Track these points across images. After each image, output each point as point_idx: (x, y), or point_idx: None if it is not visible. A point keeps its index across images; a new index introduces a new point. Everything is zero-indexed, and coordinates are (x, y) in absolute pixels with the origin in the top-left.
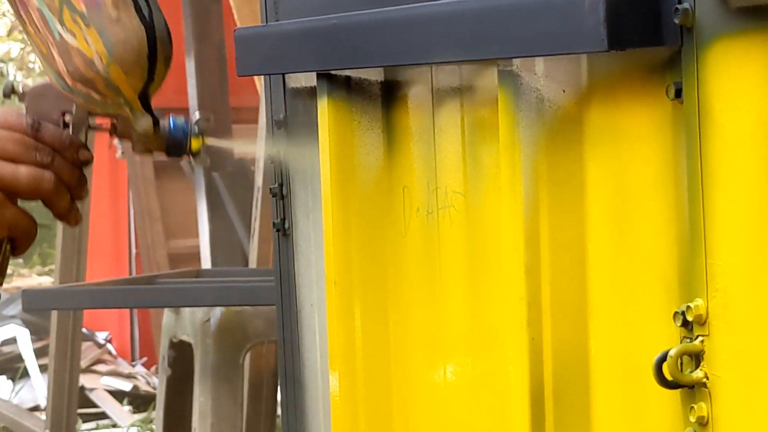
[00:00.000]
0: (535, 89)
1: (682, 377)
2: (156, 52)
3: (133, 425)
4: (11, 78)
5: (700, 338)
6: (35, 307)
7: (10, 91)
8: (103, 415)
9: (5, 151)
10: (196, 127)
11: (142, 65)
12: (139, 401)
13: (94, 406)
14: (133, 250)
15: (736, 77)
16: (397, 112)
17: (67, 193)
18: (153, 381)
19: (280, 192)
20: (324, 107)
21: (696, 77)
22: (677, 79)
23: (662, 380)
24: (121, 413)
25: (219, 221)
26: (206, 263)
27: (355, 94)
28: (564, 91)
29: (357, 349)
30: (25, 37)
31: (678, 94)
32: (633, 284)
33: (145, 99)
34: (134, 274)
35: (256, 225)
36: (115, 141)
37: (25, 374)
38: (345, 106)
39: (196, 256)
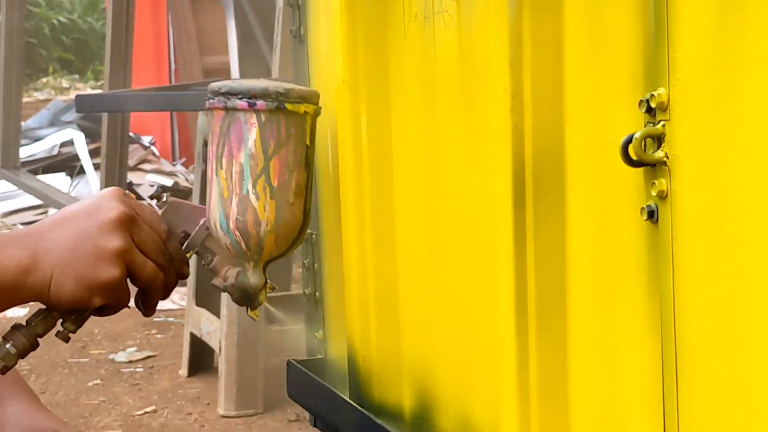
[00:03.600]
0: None
1: (645, 156)
2: (299, 239)
3: None
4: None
5: (661, 122)
6: (86, 111)
7: (158, 197)
8: None
9: (145, 246)
10: (267, 288)
11: (287, 244)
12: (179, 195)
13: (141, 198)
14: (172, 65)
15: None
16: None
17: (162, 294)
18: (191, 178)
19: (297, 2)
20: None
21: None
22: None
23: (628, 159)
24: None
25: (246, 39)
26: (235, 75)
27: None
28: None
29: (364, 145)
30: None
31: None
32: (604, 76)
33: (267, 265)
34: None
35: (278, 40)
36: None
37: (81, 172)
38: None
39: (226, 70)
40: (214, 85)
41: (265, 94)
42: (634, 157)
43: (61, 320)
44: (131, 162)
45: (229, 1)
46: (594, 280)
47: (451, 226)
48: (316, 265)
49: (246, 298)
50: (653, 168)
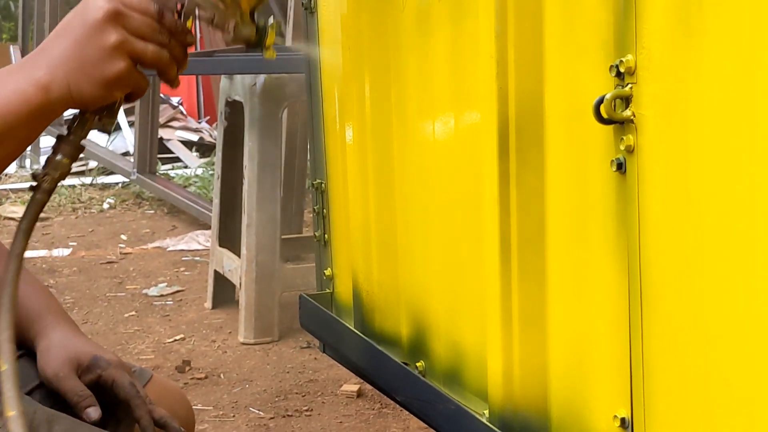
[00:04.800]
0: None
1: (615, 115)
2: None
3: (199, 167)
4: None
5: (629, 85)
6: None
7: None
8: (177, 159)
9: (140, 31)
10: (272, 28)
11: None
12: (204, 149)
13: (170, 152)
14: (198, 35)
15: None
16: None
17: (176, 66)
18: (214, 134)
19: None
20: None
21: None
22: None
23: (600, 118)
24: (191, 157)
25: (263, 11)
26: None
27: None
28: None
29: (366, 105)
30: None
31: None
32: (579, 44)
33: (252, 14)
34: (198, 50)
35: (290, 13)
36: None
37: (118, 128)
38: None
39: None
40: None
41: None
42: (605, 115)
43: (96, 117)
44: (161, 120)
45: None
46: (569, 223)
47: (443, 175)
48: (325, 211)
49: (254, 43)
50: (622, 125)
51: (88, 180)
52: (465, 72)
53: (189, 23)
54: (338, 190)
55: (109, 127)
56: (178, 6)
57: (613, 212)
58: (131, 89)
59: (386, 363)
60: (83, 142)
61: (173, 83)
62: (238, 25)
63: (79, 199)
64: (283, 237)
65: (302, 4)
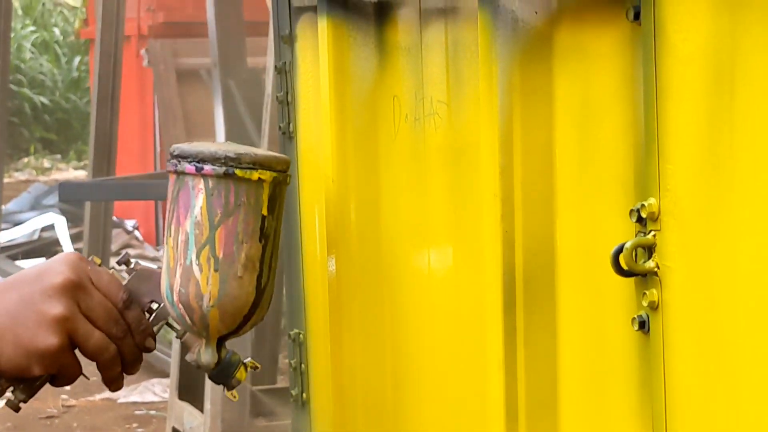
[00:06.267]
0: (511, 11)
1: (636, 267)
2: (252, 316)
3: None
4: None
5: (652, 232)
6: (70, 198)
7: (124, 262)
8: None
9: (92, 312)
10: (245, 367)
11: (236, 321)
12: None
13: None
14: (158, 148)
15: (688, 1)
16: (389, 30)
17: (120, 366)
18: None
19: (286, 99)
20: (323, 25)
21: (652, 1)
22: (636, 3)
23: (619, 269)
24: None
25: (234, 124)
26: None
27: (351, 13)
28: (536, 12)
29: (353, 244)
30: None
31: (636, 16)
32: (594, 184)
33: (221, 342)
34: (159, 170)
35: (266, 127)
36: (142, 51)
37: None
38: (342, 24)
39: None
40: (171, 148)
41: (213, 158)
42: (624, 266)
43: (11, 388)
44: (114, 247)
45: (218, 85)
46: (585, 389)
47: (440, 327)
48: (303, 366)
49: (221, 375)
50: (644, 278)
51: None
52: (466, 210)
53: (158, 327)
54: (319, 341)
55: (18, 405)
56: (152, 305)
57: (635, 377)
58: (56, 371)
59: None
60: None
61: (112, 384)
62: (200, 350)
63: None
64: (254, 388)
65: (279, 127)
